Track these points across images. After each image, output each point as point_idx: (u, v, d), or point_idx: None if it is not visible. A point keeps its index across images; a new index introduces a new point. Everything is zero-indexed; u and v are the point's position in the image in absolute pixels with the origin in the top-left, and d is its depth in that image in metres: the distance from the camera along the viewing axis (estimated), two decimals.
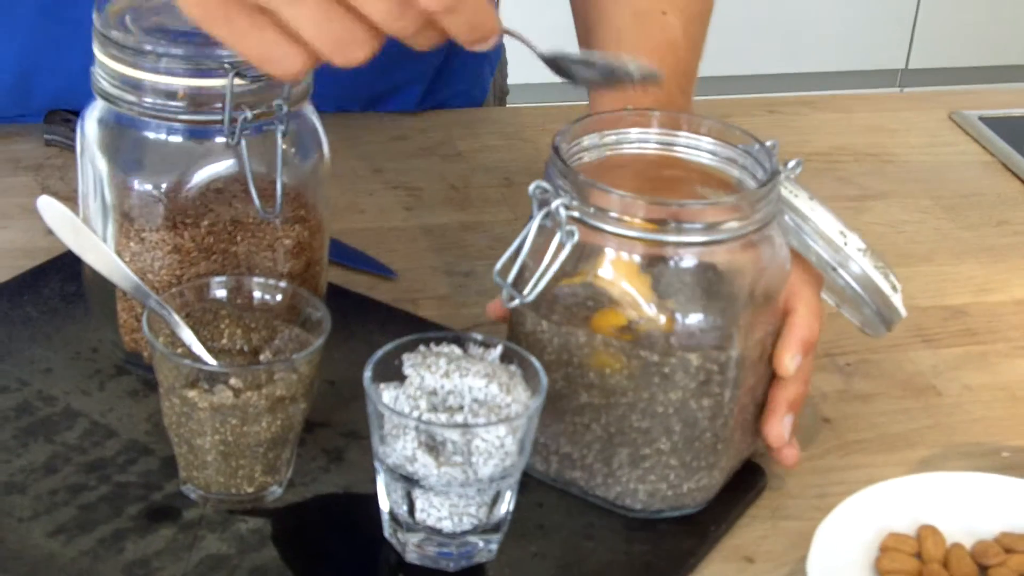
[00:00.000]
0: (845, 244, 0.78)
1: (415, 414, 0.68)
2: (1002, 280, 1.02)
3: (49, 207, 0.73)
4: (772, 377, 0.78)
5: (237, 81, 0.74)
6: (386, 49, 0.66)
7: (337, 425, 0.79)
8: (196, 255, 0.78)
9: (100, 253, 0.73)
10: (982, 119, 1.23)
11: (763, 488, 0.79)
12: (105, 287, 0.80)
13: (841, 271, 0.79)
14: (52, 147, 1.04)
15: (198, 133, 0.77)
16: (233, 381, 0.69)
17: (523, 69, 1.17)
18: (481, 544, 0.71)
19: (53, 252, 0.91)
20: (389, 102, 1.14)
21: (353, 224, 1.00)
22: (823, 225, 0.79)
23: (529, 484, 0.76)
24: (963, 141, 1.20)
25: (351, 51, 0.65)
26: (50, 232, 0.94)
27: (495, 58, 1.22)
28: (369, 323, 0.87)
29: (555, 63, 0.71)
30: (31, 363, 0.82)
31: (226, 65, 0.74)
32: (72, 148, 1.02)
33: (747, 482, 0.79)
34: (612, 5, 0.94)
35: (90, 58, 0.78)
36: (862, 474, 0.81)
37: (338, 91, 1.09)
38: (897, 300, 0.81)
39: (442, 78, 1.15)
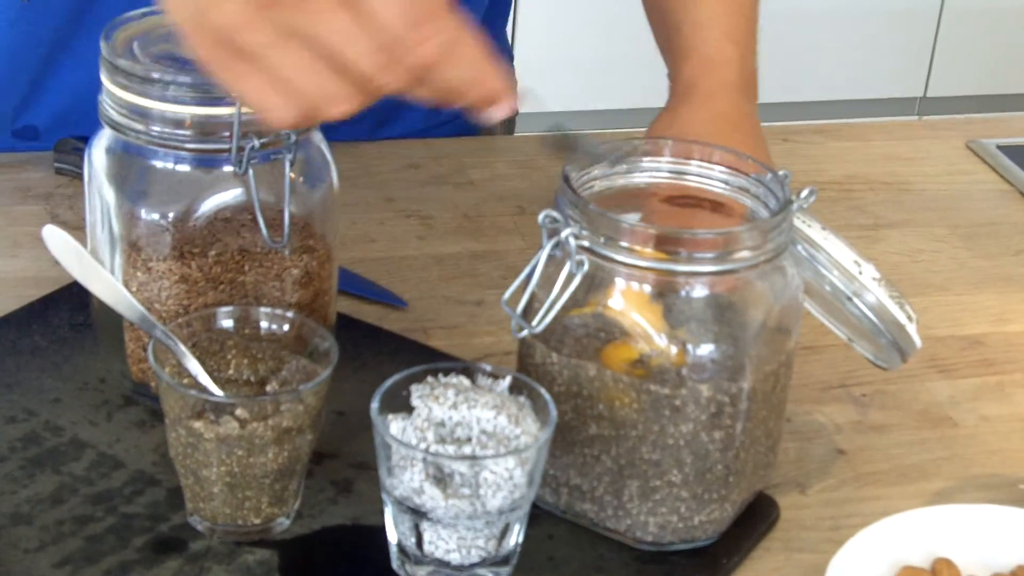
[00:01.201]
0: (860, 274, 0.78)
1: (422, 446, 0.67)
2: (1020, 310, 1.01)
3: (54, 236, 0.72)
4: (781, 409, 0.77)
5: (245, 109, 0.74)
6: None
7: (346, 456, 0.78)
8: (203, 285, 0.78)
9: (105, 283, 0.73)
10: (1000, 147, 1.22)
11: (776, 520, 0.78)
12: (113, 317, 0.80)
13: (856, 301, 0.78)
14: (62, 176, 1.04)
15: (206, 162, 0.77)
16: (239, 412, 0.69)
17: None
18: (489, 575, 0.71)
19: (62, 281, 0.91)
20: (396, 124, 1.14)
21: (364, 253, 0.99)
22: (837, 255, 0.78)
23: (539, 516, 0.75)
24: (981, 170, 1.19)
25: (337, 104, 0.63)
26: (58, 262, 0.95)
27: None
28: (379, 353, 0.86)
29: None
30: (39, 393, 0.81)
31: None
32: (82, 177, 1.02)
33: (760, 514, 0.78)
34: None
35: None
36: (877, 506, 0.80)
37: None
38: (912, 330, 0.80)
39: None
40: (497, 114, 0.65)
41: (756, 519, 0.78)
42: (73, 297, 0.89)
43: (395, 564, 0.71)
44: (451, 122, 1.15)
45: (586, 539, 0.75)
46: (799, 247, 0.78)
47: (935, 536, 0.76)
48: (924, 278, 1.03)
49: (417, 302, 0.94)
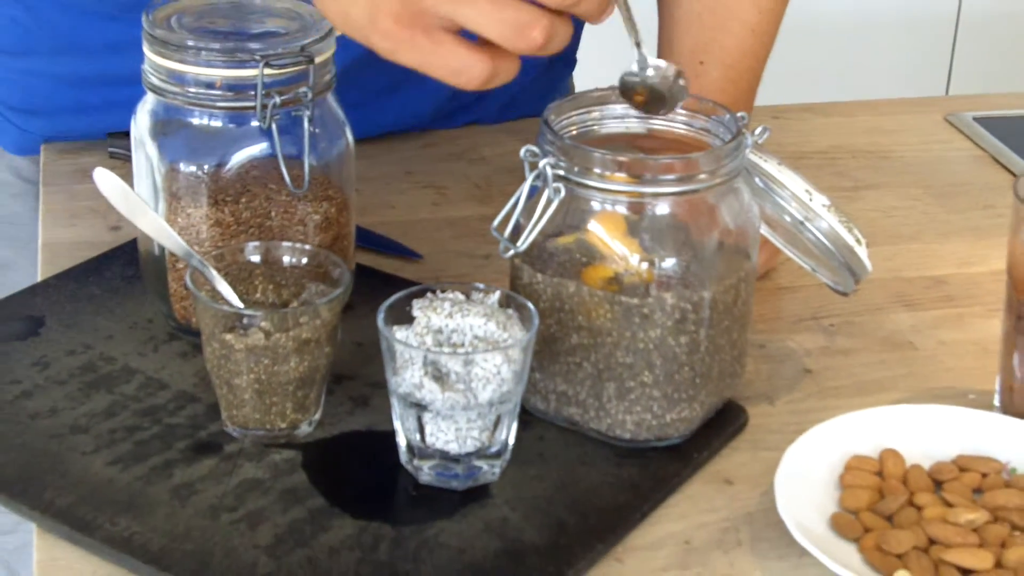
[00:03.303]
0: (811, 201, 0.88)
1: (422, 347, 0.78)
2: (984, 255, 1.10)
3: (104, 177, 0.83)
4: (744, 322, 0.87)
5: (267, 71, 0.85)
6: None
7: (363, 378, 0.89)
8: (235, 228, 0.89)
9: (150, 218, 0.84)
10: (976, 119, 1.31)
11: (744, 424, 0.88)
12: (158, 266, 0.91)
13: (809, 225, 0.88)
14: (115, 159, 1.15)
15: (235, 119, 0.88)
16: (264, 324, 0.80)
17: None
18: (485, 467, 0.81)
19: (111, 245, 1.03)
20: (467, 113, 1.23)
21: (384, 218, 1.10)
22: (791, 185, 0.88)
23: (531, 421, 0.85)
24: (957, 139, 1.29)
25: (528, 34, 0.71)
26: (113, 228, 1.07)
27: (566, 79, 1.32)
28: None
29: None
30: (95, 331, 0.92)
31: (257, 57, 0.85)
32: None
33: (729, 418, 0.88)
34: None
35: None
36: (838, 414, 0.89)
37: (420, 106, 1.19)
38: (862, 252, 0.89)
39: (524, 95, 1.24)
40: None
41: (726, 422, 0.88)
42: (124, 255, 1.00)
43: (403, 460, 0.82)
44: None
45: (573, 439, 0.85)
46: (758, 180, 0.88)
47: (883, 431, 0.85)
48: (896, 230, 1.13)
49: (430, 256, 1.05)
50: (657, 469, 0.83)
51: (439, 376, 0.78)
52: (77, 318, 0.94)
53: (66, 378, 0.88)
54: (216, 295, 0.82)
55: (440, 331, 0.80)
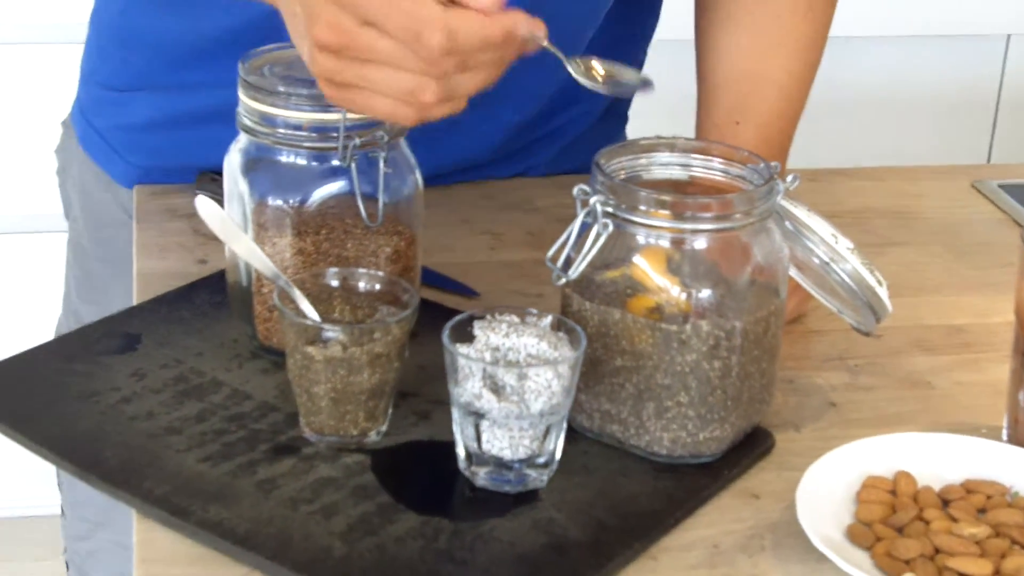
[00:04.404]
0: (836, 243, 0.97)
1: (480, 362, 0.88)
2: (1002, 308, 1.18)
3: (204, 204, 0.94)
4: (773, 354, 0.96)
5: (349, 115, 0.95)
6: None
7: (425, 395, 0.98)
8: (315, 257, 0.99)
9: (242, 242, 0.94)
10: (1000, 186, 1.40)
11: (771, 447, 0.97)
12: (245, 291, 1.01)
13: (834, 266, 0.97)
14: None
15: (318, 158, 0.98)
16: (342, 338, 0.89)
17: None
18: (534, 475, 0.90)
19: (199, 276, 1.13)
20: (522, 159, 1.33)
21: (444, 259, 1.20)
22: (818, 228, 0.97)
23: (576, 437, 0.94)
24: (981, 203, 1.38)
25: (423, 96, 0.84)
26: (199, 261, 1.17)
27: (619, 134, 1.42)
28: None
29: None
30: (185, 348, 1.02)
31: None
32: (219, 201, 1.24)
33: (758, 441, 0.97)
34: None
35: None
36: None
37: (475, 152, 1.29)
38: (883, 293, 0.98)
39: (577, 146, 1.34)
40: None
41: (754, 444, 0.96)
42: (211, 284, 1.10)
43: (461, 466, 0.91)
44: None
45: (614, 454, 0.94)
46: (788, 224, 0.97)
47: (898, 455, 0.94)
48: (919, 283, 1.22)
49: (487, 294, 1.15)
50: (691, 483, 0.92)
51: (496, 388, 0.87)
52: (170, 337, 1.04)
53: (161, 387, 0.98)
54: (300, 313, 0.92)
55: (497, 348, 0.89)
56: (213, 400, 0.97)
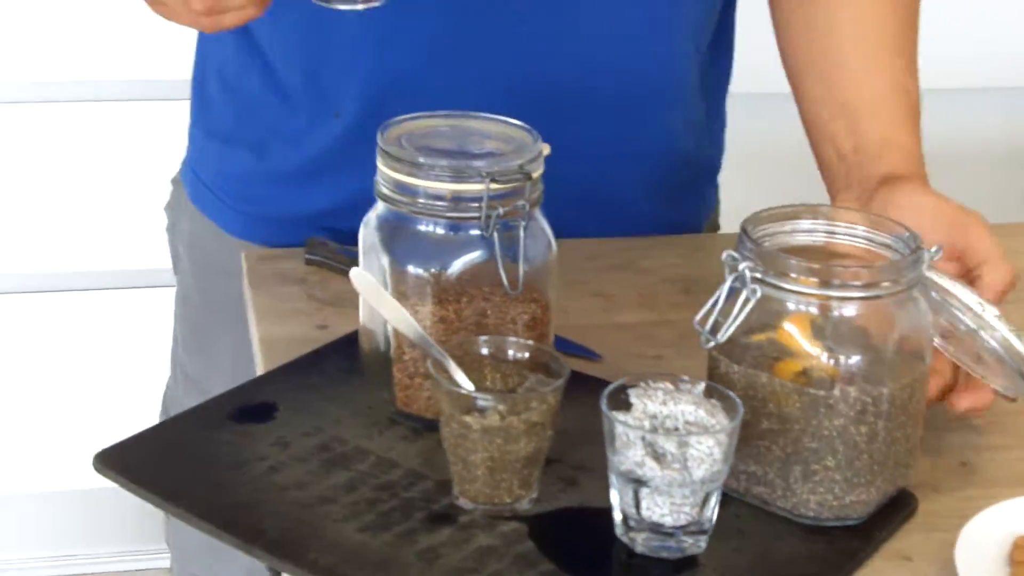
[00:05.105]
0: (984, 312, 0.98)
1: (642, 430, 0.88)
2: None
3: (359, 275, 0.95)
4: (917, 419, 0.97)
5: (492, 186, 0.96)
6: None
7: (569, 461, 0.99)
8: (456, 325, 1.00)
9: (397, 311, 0.95)
10: None
11: (915, 509, 0.98)
12: (383, 357, 1.02)
13: (983, 334, 0.98)
14: (312, 265, 1.27)
15: (457, 228, 0.99)
16: (500, 407, 0.90)
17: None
18: (691, 541, 0.90)
19: (321, 341, 1.14)
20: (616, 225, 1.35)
21: (560, 322, 1.20)
22: (964, 298, 0.98)
23: (725, 500, 0.95)
24: None
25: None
26: (320, 327, 1.18)
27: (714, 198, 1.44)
28: (585, 391, 1.07)
29: None
30: (322, 416, 1.03)
31: (483, 173, 0.97)
32: (329, 266, 1.26)
33: (902, 504, 0.97)
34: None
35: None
36: (997, 501, 0.98)
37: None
38: None
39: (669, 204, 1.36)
40: None
41: (899, 507, 0.97)
42: (338, 350, 1.11)
43: (619, 532, 0.91)
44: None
45: (763, 516, 0.95)
46: (934, 294, 0.98)
47: None
48: None
49: (607, 357, 1.16)
50: (843, 546, 0.92)
51: (657, 455, 0.88)
52: (305, 405, 1.04)
53: (306, 456, 0.98)
54: (454, 381, 0.93)
55: (655, 416, 0.90)
56: (360, 468, 0.97)
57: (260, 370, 1.13)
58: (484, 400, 0.91)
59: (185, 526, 0.93)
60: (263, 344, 1.16)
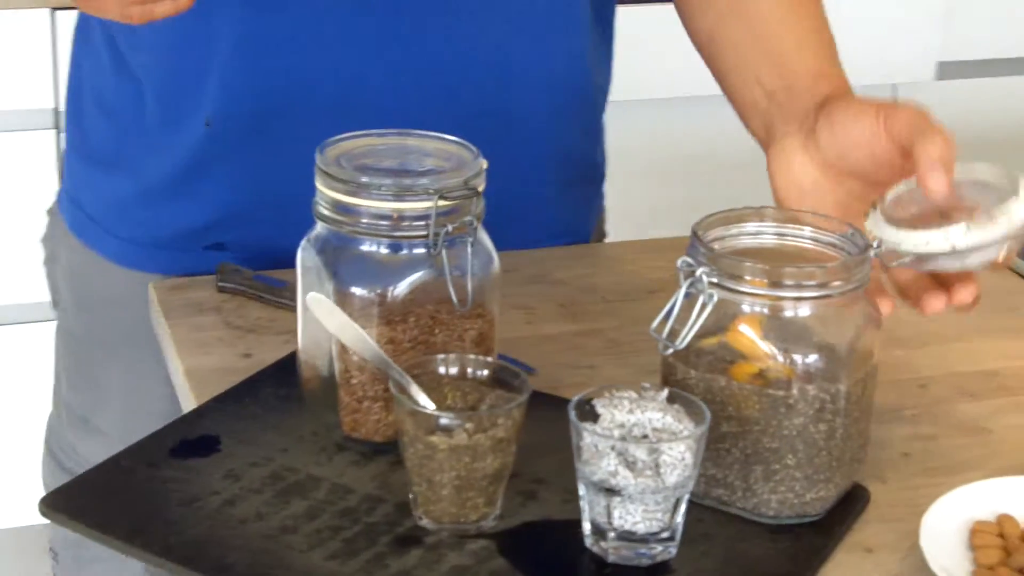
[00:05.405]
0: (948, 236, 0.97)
1: (613, 439, 0.88)
2: (1020, 350, 1.23)
3: (316, 300, 0.93)
4: (868, 414, 0.98)
5: (440, 203, 0.95)
6: None
7: (526, 475, 0.98)
8: (405, 345, 0.98)
9: (356, 334, 0.93)
10: None
11: (868, 501, 0.99)
12: (327, 382, 1.00)
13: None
14: (225, 292, 1.24)
15: (401, 247, 0.98)
16: (468, 425, 0.89)
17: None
18: (661, 548, 0.90)
19: (248, 370, 1.11)
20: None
21: None
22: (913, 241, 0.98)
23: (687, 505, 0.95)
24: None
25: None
26: (244, 355, 1.15)
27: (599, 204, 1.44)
28: (532, 404, 1.06)
29: None
30: (268, 446, 1.01)
31: (430, 190, 0.95)
32: (244, 293, 1.23)
33: (856, 498, 0.99)
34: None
35: None
36: (942, 488, 1.00)
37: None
38: None
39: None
40: None
41: (854, 501, 0.98)
42: (270, 378, 1.09)
43: (588, 542, 0.91)
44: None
45: (724, 518, 0.95)
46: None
47: (998, 499, 0.97)
48: (942, 331, 1.25)
49: (541, 369, 1.15)
50: (808, 542, 0.94)
51: (628, 464, 0.88)
52: (248, 435, 1.02)
53: (259, 487, 0.96)
54: (416, 402, 0.91)
55: (623, 425, 0.90)
56: (317, 496, 0.95)
57: (189, 402, 1.10)
58: (450, 419, 0.90)
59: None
60: (189, 376, 1.13)
